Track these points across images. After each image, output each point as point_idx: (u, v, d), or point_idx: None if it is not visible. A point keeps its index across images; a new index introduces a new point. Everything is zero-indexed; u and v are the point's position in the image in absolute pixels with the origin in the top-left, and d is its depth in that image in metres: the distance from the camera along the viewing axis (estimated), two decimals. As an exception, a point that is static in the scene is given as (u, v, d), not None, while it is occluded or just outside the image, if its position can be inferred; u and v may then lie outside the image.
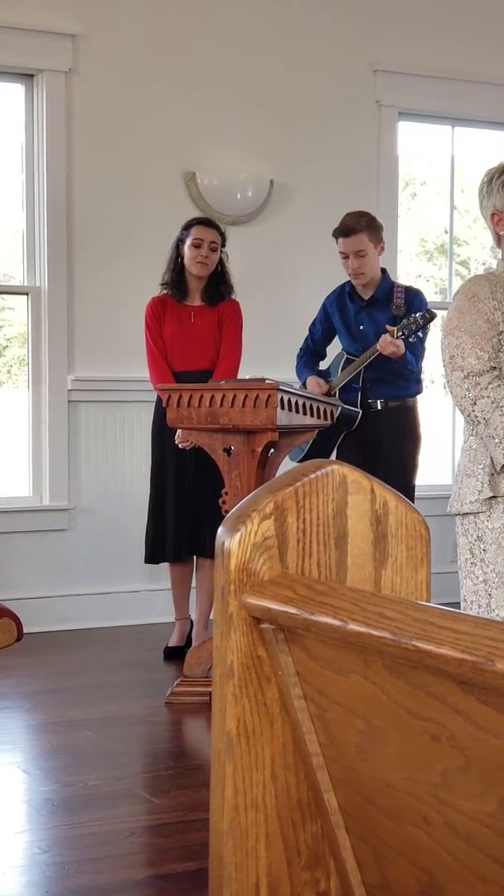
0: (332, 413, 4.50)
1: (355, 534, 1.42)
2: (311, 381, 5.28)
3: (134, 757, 3.93)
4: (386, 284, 5.19)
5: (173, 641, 5.29)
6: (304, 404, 4.32)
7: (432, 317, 4.93)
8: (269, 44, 6.15)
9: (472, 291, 2.95)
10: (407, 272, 6.99)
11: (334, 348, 5.43)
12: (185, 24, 5.98)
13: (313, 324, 5.41)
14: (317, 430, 4.68)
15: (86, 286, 5.83)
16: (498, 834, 1.14)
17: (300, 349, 5.43)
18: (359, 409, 5.12)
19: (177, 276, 5.18)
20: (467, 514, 2.95)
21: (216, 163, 6.04)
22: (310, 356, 5.41)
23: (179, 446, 4.91)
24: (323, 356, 5.45)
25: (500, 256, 3.08)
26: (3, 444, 7.54)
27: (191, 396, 4.29)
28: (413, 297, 5.14)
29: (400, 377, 5.09)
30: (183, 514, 5.13)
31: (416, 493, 5.16)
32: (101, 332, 5.85)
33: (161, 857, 3.05)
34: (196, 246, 5.10)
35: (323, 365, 5.45)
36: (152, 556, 5.24)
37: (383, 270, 5.24)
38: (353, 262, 5.09)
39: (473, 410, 2.90)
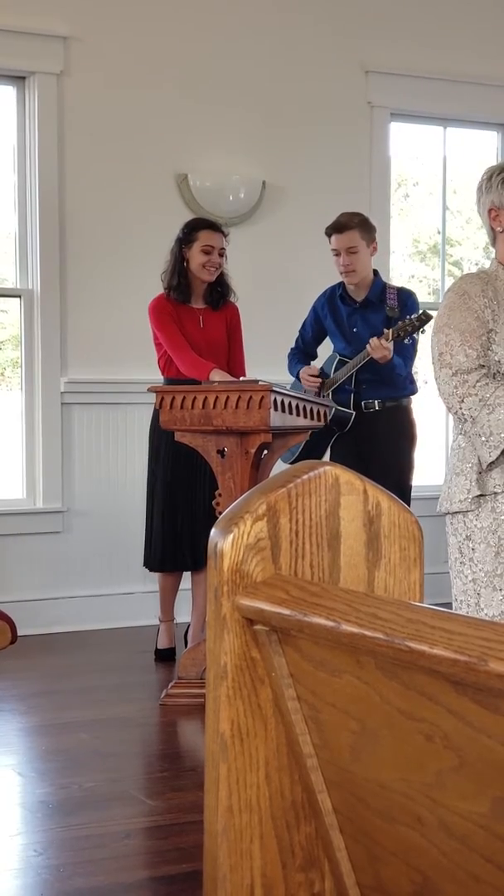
0: (325, 414, 4.50)
1: (348, 535, 1.42)
2: (304, 371, 5.26)
3: (129, 759, 3.92)
4: (378, 286, 5.18)
5: (164, 643, 5.27)
6: (297, 406, 4.31)
7: (428, 318, 4.90)
8: (261, 45, 6.15)
9: (463, 289, 2.96)
10: (400, 273, 6.99)
11: (324, 349, 5.42)
12: (177, 26, 5.98)
13: (303, 326, 5.38)
14: (309, 432, 4.67)
15: (78, 288, 5.83)
16: (491, 834, 1.14)
17: (290, 349, 5.43)
18: (352, 411, 5.12)
19: (183, 279, 5.06)
20: (456, 513, 2.95)
21: (208, 164, 6.04)
22: (300, 356, 5.40)
23: None
24: (314, 357, 5.44)
25: (493, 255, 3.08)
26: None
27: (184, 398, 4.27)
28: (406, 298, 5.14)
29: (390, 380, 5.08)
30: (198, 520, 5.02)
31: (411, 494, 5.16)
32: (94, 333, 5.84)
33: (156, 859, 3.05)
34: (206, 252, 5.00)
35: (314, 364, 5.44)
36: (161, 565, 5.14)
37: (375, 272, 5.23)
38: (344, 259, 5.06)
39: (461, 408, 2.89)
